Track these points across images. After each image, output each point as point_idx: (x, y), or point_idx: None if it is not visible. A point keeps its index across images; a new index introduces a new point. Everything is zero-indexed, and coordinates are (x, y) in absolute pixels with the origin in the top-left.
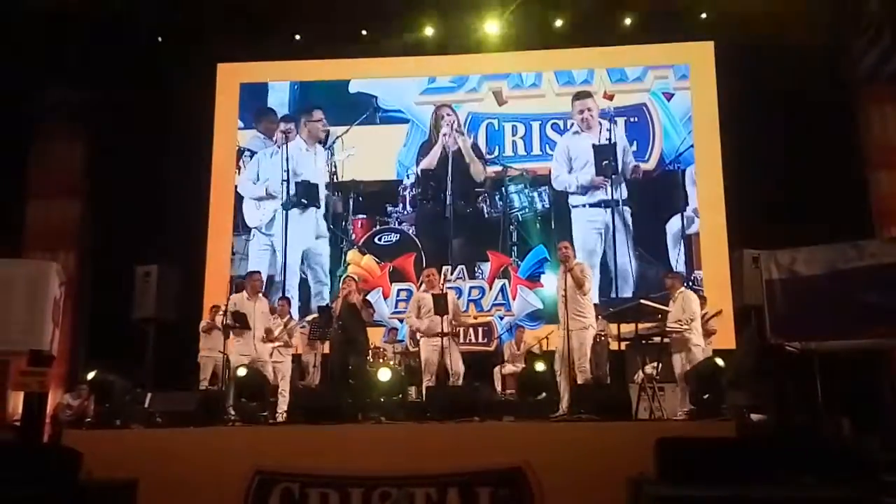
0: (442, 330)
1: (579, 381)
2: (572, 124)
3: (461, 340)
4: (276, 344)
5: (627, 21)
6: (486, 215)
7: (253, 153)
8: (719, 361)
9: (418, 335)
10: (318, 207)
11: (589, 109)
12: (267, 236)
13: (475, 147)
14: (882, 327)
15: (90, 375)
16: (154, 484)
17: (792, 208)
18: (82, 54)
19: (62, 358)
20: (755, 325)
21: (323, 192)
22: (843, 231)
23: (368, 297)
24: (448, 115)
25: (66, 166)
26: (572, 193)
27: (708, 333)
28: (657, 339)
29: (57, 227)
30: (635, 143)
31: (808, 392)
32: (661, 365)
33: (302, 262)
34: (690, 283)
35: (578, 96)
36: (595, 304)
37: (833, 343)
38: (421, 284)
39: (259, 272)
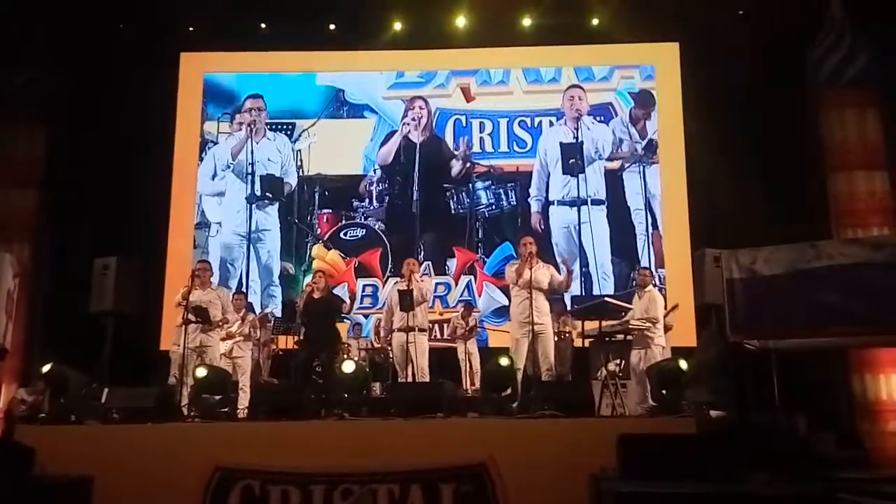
0: (406, 325)
1: (543, 379)
2: (540, 123)
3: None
4: (236, 339)
5: (595, 21)
6: (453, 211)
7: (215, 144)
8: (681, 361)
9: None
10: (283, 201)
11: (580, 98)
12: (229, 230)
13: (444, 142)
14: (839, 327)
15: (45, 369)
16: (110, 481)
17: (753, 208)
18: (43, 39)
19: (16, 352)
20: (715, 324)
21: (287, 186)
22: (803, 231)
23: (335, 292)
24: (420, 107)
25: (24, 154)
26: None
27: (665, 329)
28: (620, 336)
29: (12, 217)
30: (601, 141)
31: (766, 390)
32: (623, 362)
33: (265, 257)
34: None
35: (571, 86)
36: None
37: (791, 342)
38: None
39: (207, 262)
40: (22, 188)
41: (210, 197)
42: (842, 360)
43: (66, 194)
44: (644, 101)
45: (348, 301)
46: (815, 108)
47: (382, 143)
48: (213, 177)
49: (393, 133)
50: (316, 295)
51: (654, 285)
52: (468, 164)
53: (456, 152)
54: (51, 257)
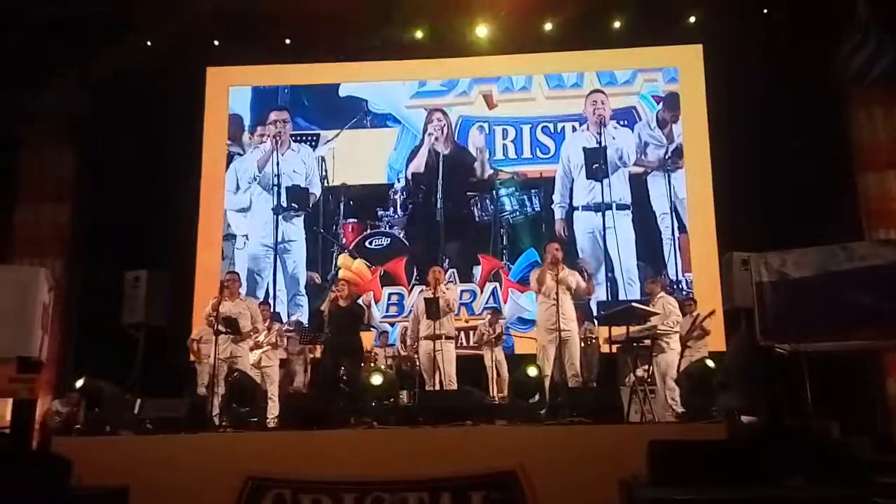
0: (433, 333)
1: (571, 385)
2: (563, 128)
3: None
4: (264, 349)
5: (617, 24)
6: (477, 219)
7: (241, 156)
8: (710, 363)
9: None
10: (308, 212)
11: (602, 103)
12: (256, 242)
13: (467, 150)
14: (871, 329)
15: (79, 382)
16: (145, 491)
17: (781, 210)
18: (73, 58)
19: (51, 364)
20: (745, 328)
21: (313, 197)
22: (833, 233)
23: (359, 301)
24: (439, 119)
25: (56, 170)
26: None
27: (703, 334)
28: (648, 341)
29: (46, 232)
30: (625, 146)
31: (798, 394)
32: (651, 368)
33: (291, 267)
34: (679, 286)
35: (593, 91)
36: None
37: (823, 345)
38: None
39: (236, 273)
40: (54, 204)
41: (234, 211)
42: (875, 363)
43: (97, 209)
44: (671, 104)
45: (366, 310)
46: (843, 108)
47: (410, 157)
48: (237, 190)
49: (419, 145)
50: (341, 303)
51: (673, 289)
52: (490, 171)
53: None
54: (83, 271)
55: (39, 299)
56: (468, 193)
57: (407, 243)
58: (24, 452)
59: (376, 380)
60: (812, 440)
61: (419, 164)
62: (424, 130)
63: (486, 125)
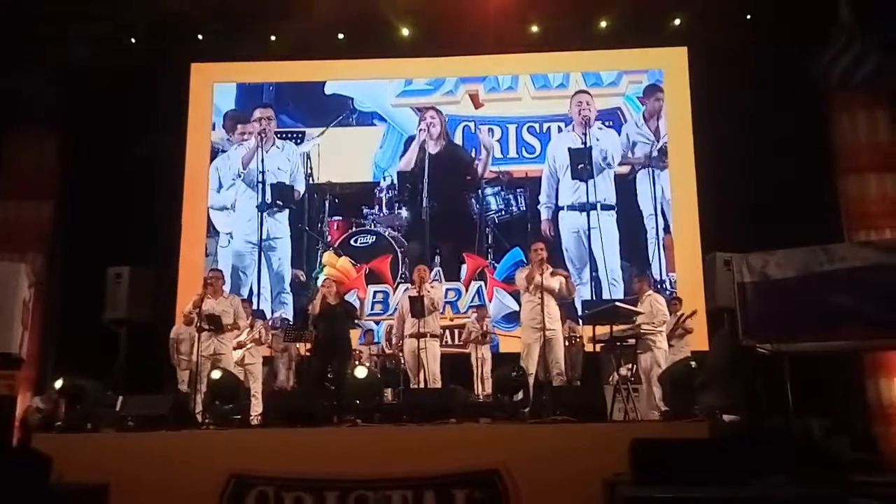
0: (418, 331)
1: (555, 384)
2: (548, 128)
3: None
4: (247, 346)
5: (603, 25)
6: (463, 217)
7: (223, 152)
8: (692, 363)
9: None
10: (293, 209)
11: (588, 103)
12: (240, 239)
13: (454, 149)
14: (851, 330)
15: (60, 379)
16: (126, 488)
17: (764, 212)
18: (56, 54)
19: (31, 361)
20: (727, 328)
21: (297, 194)
22: (814, 234)
23: (351, 298)
24: (432, 116)
25: (38, 166)
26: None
27: (685, 333)
28: (632, 340)
29: (27, 228)
30: (610, 146)
31: (779, 393)
32: (635, 367)
33: (276, 264)
34: (663, 286)
35: (579, 92)
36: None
37: (804, 345)
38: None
39: (219, 270)
40: (35, 199)
41: (218, 209)
42: (856, 364)
43: (78, 205)
44: (652, 93)
45: (359, 307)
46: (826, 111)
47: (403, 152)
48: (219, 189)
49: (411, 141)
50: (331, 300)
51: (657, 288)
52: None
53: (477, 156)
54: (64, 267)
55: (20, 295)
56: (454, 192)
57: (392, 241)
58: (3, 449)
59: (361, 377)
60: (793, 439)
61: (409, 159)
62: (418, 127)
63: (472, 124)
